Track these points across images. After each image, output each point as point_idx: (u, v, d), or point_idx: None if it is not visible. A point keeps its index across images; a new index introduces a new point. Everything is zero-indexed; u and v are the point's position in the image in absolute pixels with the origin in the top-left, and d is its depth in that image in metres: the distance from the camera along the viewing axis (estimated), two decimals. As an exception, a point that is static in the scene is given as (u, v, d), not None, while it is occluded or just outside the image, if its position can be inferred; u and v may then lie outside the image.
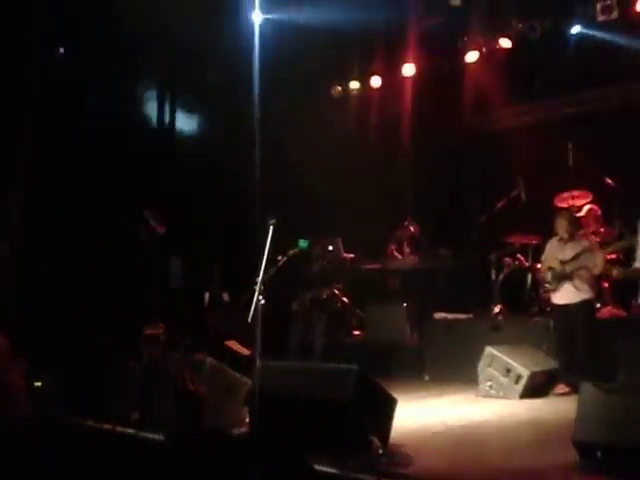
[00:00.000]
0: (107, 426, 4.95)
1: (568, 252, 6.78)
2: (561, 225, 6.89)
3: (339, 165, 10.81)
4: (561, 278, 6.73)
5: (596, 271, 6.57)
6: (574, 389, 6.27)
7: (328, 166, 10.66)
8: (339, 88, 11.49)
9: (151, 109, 10.18)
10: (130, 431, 4.69)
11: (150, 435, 4.43)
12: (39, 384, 6.85)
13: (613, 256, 7.41)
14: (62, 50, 9.13)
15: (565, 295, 6.72)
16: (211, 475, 0.77)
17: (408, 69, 11.00)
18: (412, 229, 10.13)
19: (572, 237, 6.89)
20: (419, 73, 10.92)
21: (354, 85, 11.55)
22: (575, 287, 6.65)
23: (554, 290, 6.82)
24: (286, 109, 10.64)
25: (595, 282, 6.77)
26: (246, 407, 4.83)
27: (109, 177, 8.87)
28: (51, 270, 8.44)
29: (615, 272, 6.72)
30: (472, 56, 10.49)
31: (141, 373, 5.44)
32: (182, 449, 1.09)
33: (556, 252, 6.89)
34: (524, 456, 4.04)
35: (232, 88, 10.53)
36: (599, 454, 3.46)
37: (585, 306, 6.64)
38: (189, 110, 10.01)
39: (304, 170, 10.61)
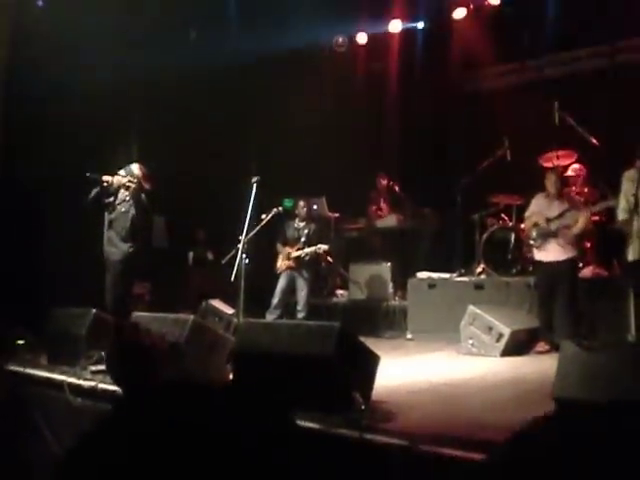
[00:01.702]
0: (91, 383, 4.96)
1: (554, 209, 6.80)
2: (550, 182, 6.89)
3: (324, 123, 10.72)
4: (546, 235, 6.76)
5: (578, 230, 6.60)
6: (554, 347, 6.36)
7: (313, 124, 10.57)
8: (341, 40, 11.35)
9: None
10: (111, 387, 4.69)
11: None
12: (21, 342, 6.86)
13: (596, 217, 7.46)
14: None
15: (550, 253, 6.75)
16: (182, 427, 0.74)
17: (394, 25, 10.86)
18: (384, 183, 10.12)
19: (559, 194, 6.90)
20: (406, 29, 10.80)
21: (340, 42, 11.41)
22: (560, 245, 6.68)
23: (538, 247, 6.85)
24: (270, 67, 10.49)
25: (579, 241, 6.81)
26: (229, 365, 4.85)
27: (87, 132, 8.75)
28: (28, 224, 8.35)
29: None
30: (460, 13, 10.36)
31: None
32: (144, 402, 1.04)
33: (542, 209, 6.91)
34: (505, 412, 4.08)
35: (212, 44, 10.34)
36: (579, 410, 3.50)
37: (569, 264, 6.69)
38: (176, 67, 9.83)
39: (289, 128, 10.51)
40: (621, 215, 5.87)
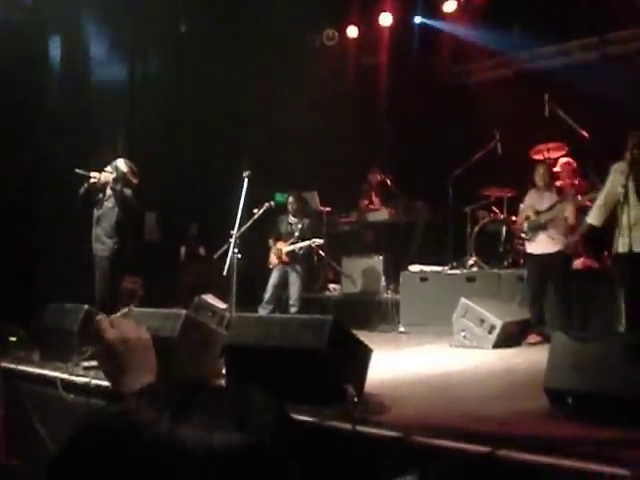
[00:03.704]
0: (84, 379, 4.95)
1: (544, 202, 6.86)
2: (538, 175, 6.94)
3: (315, 117, 10.71)
4: (537, 228, 6.81)
5: (570, 222, 6.65)
6: (546, 339, 6.40)
7: (305, 118, 10.56)
8: (331, 33, 11.32)
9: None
10: (105, 383, 4.69)
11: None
12: (14, 339, 6.84)
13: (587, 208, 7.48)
14: None
15: (540, 245, 6.80)
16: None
17: (385, 19, 10.85)
18: (379, 177, 10.12)
19: (548, 187, 6.95)
20: (396, 23, 10.79)
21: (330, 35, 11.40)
22: (550, 237, 6.73)
23: (530, 240, 6.90)
24: (262, 62, 10.47)
25: (570, 233, 6.85)
26: (222, 359, 4.85)
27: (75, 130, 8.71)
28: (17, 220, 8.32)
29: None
30: (450, 6, 10.36)
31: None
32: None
33: (533, 202, 6.97)
34: (497, 403, 4.10)
35: (204, 39, 10.32)
36: (570, 400, 3.53)
37: (560, 256, 6.73)
38: (163, 60, 9.82)
39: (280, 122, 10.50)
40: (590, 217, 5.94)
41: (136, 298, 8.40)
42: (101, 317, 1.28)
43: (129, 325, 1.25)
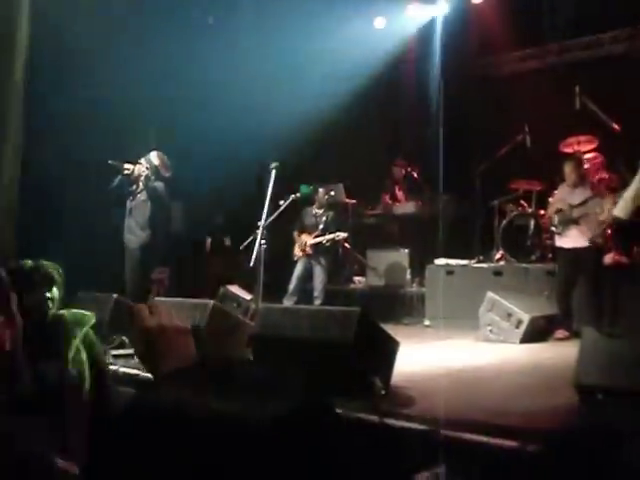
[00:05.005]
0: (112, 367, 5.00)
1: (577, 197, 6.77)
2: (570, 169, 6.85)
3: (342, 109, 10.67)
4: (568, 222, 6.73)
5: (603, 217, 6.55)
6: (573, 334, 6.34)
7: (331, 110, 10.52)
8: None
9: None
10: (133, 371, 4.75)
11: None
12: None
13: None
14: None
15: (572, 239, 6.72)
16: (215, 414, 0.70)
17: (413, 10, 10.77)
18: (403, 170, 10.05)
19: (582, 182, 6.86)
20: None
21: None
22: (581, 232, 6.65)
23: (560, 233, 6.82)
24: (289, 54, 10.45)
25: (601, 228, 6.76)
26: (249, 349, 4.87)
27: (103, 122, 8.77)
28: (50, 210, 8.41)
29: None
30: (479, -4, 10.25)
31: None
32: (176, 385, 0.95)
33: (565, 196, 6.88)
34: (525, 398, 4.08)
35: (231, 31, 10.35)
36: (600, 396, 3.50)
37: (592, 251, 6.64)
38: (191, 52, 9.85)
39: (307, 114, 10.47)
40: (617, 209, 5.84)
41: (163, 288, 8.46)
42: (141, 305, 1.29)
43: (168, 313, 1.26)
